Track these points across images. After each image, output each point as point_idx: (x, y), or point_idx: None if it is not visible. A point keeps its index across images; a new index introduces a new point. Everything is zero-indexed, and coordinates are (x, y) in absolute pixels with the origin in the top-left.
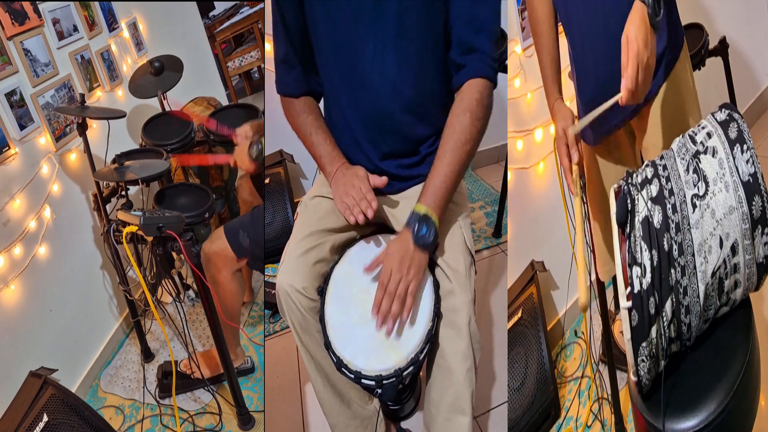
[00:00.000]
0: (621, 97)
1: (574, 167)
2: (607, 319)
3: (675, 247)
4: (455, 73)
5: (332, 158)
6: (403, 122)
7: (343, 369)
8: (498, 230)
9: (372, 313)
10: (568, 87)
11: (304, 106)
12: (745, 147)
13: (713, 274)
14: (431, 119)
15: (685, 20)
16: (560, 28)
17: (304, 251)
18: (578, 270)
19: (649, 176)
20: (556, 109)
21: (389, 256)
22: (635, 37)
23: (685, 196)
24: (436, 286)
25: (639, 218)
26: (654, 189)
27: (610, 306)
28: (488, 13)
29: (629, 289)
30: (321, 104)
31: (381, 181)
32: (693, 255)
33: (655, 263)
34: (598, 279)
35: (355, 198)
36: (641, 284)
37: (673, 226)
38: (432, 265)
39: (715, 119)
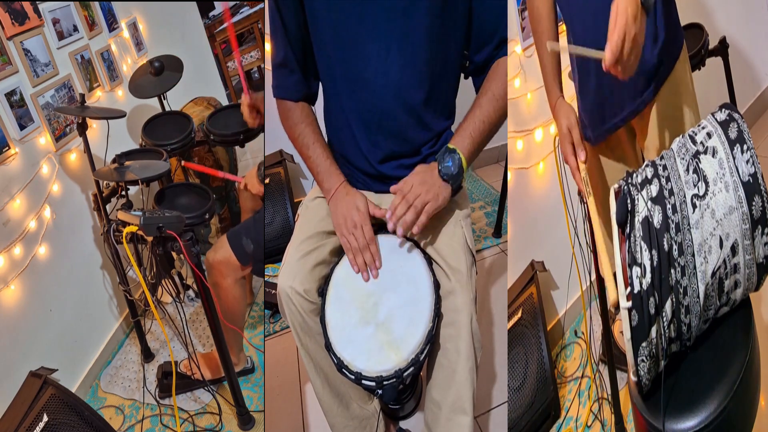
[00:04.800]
0: (605, 58)
1: (582, 165)
2: (607, 319)
3: (675, 247)
4: (481, 66)
5: (330, 175)
6: (406, 124)
7: (343, 370)
8: (498, 230)
9: (386, 216)
10: (569, 87)
11: (302, 114)
12: (745, 147)
13: (713, 274)
14: (434, 122)
15: (685, 20)
16: (560, 28)
17: (305, 254)
18: (603, 269)
19: (649, 176)
20: (558, 108)
21: (413, 175)
22: (625, 9)
23: (685, 196)
24: (437, 286)
25: (639, 218)
26: (654, 189)
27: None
28: (506, 4)
29: (629, 289)
30: (314, 106)
31: (380, 213)
32: (693, 255)
33: (655, 263)
34: (598, 278)
35: (357, 241)
36: (641, 284)
37: (673, 226)
38: (432, 265)
39: (715, 119)
